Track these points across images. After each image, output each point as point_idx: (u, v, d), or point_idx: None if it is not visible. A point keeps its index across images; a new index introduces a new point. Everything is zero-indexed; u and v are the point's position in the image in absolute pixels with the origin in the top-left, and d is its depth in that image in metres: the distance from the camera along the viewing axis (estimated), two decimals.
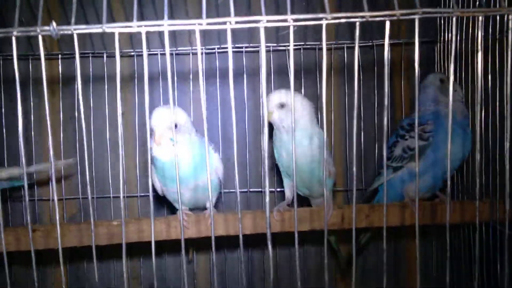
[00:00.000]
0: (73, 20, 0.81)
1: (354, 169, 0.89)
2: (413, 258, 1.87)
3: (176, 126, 1.23)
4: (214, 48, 1.73)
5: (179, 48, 1.74)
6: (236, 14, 0.80)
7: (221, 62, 1.74)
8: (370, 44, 1.73)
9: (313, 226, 1.32)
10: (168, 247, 1.74)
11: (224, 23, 0.82)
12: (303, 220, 1.32)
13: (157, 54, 1.73)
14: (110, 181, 1.70)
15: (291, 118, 1.30)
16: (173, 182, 1.26)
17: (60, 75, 1.70)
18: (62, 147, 1.69)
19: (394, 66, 1.77)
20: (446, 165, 0.91)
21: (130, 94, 1.76)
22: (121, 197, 0.86)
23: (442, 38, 1.71)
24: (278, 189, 1.76)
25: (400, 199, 1.43)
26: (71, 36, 0.79)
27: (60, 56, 1.69)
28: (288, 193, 1.42)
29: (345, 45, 1.74)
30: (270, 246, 0.87)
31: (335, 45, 1.76)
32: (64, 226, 1.28)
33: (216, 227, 1.28)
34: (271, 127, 1.36)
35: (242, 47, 1.74)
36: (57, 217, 0.87)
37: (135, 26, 0.80)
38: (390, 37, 0.84)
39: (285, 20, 0.82)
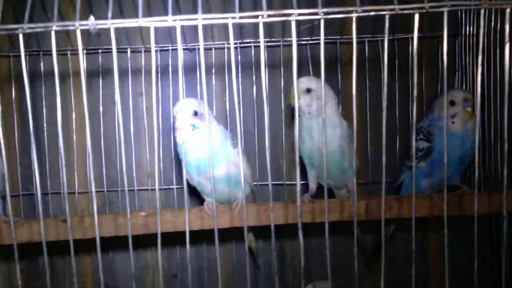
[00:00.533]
0: (110, 14, 0.83)
1: (384, 159, 0.91)
2: (433, 250, 1.89)
3: (196, 113, 1.30)
4: (224, 43, 1.76)
5: (208, 43, 1.76)
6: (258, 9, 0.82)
7: (241, 56, 1.76)
8: (392, 37, 1.73)
9: (338, 217, 1.33)
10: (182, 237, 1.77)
11: (257, 16, 0.84)
12: (329, 211, 1.33)
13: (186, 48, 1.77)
14: (135, 174, 1.73)
15: (317, 103, 1.34)
16: (193, 170, 1.33)
17: (84, 70, 1.72)
18: (89, 142, 1.71)
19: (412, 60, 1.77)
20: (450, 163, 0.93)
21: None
22: (157, 189, 0.89)
23: (463, 31, 1.71)
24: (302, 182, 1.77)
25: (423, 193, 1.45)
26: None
27: (84, 51, 1.72)
28: (312, 185, 1.44)
29: (366, 39, 1.75)
30: (301, 236, 0.89)
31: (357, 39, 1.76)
32: (93, 218, 1.31)
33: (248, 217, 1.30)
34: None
35: (250, 42, 1.77)
36: (95, 208, 0.89)
37: (170, 21, 0.83)
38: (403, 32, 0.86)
39: (316, 13, 0.84)
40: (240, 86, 1.76)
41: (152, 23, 0.83)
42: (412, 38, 1.70)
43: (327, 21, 0.85)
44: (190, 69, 1.79)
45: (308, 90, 1.35)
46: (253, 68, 1.76)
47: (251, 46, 1.75)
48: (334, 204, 1.34)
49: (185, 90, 1.75)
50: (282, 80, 1.76)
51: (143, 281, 1.85)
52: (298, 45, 1.78)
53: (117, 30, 0.82)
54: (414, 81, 0.88)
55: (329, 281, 0.91)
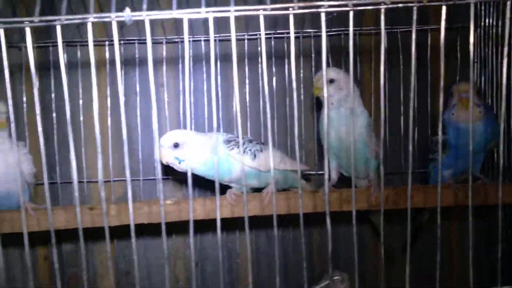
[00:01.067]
0: (145, 6, 0.85)
1: (410, 148, 0.93)
2: (452, 240, 1.91)
3: (177, 145, 1.32)
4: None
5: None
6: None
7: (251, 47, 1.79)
8: (407, 29, 1.74)
9: (358, 207, 1.35)
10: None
11: (287, 8, 0.86)
12: (350, 200, 1.35)
13: (200, 40, 1.78)
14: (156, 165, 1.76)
15: (340, 94, 1.36)
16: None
17: (108, 61, 1.76)
18: (109, 132, 1.75)
19: (433, 51, 1.78)
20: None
21: (173, 80, 1.81)
22: (189, 179, 0.91)
23: (480, 23, 1.72)
24: (319, 172, 1.80)
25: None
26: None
27: (107, 42, 1.74)
28: (333, 175, 1.46)
29: (386, 31, 1.75)
30: (328, 223, 0.91)
31: (375, 31, 1.79)
32: (121, 205, 1.35)
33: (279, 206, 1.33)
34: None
35: (283, 33, 1.78)
36: (130, 195, 0.92)
37: (204, 12, 0.85)
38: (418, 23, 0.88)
39: (346, 5, 0.86)
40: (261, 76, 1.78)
41: (185, 14, 0.85)
42: (427, 30, 1.75)
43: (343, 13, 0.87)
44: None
45: (331, 81, 1.38)
46: (258, 60, 1.78)
47: (270, 38, 1.77)
48: (357, 194, 1.36)
49: (206, 82, 1.77)
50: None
51: (164, 268, 1.88)
52: (310, 37, 1.80)
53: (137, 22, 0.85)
54: (441, 72, 0.90)
55: (355, 268, 0.93)
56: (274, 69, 1.80)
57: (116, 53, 0.86)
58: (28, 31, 0.85)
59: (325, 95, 0.89)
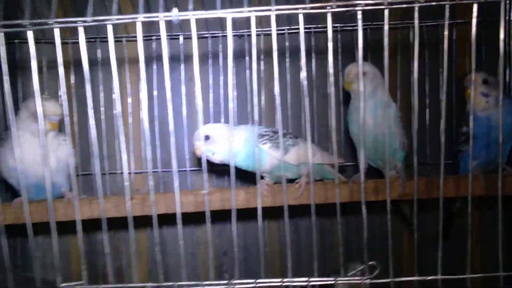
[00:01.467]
0: (190, 6, 0.91)
1: (442, 139, 0.97)
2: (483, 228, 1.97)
3: (208, 137, 1.39)
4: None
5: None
6: None
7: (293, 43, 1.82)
8: (437, 24, 1.77)
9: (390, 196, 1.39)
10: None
11: (325, 7, 0.90)
12: (379, 190, 1.39)
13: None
14: (187, 156, 1.82)
15: (369, 86, 1.41)
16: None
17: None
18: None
19: (458, 45, 1.80)
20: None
21: (204, 74, 1.86)
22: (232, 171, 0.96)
23: (508, 18, 1.75)
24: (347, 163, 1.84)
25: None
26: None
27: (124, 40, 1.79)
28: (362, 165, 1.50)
29: (410, 25, 1.78)
30: (364, 211, 0.96)
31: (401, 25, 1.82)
32: (158, 195, 1.40)
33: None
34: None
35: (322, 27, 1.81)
36: (177, 185, 0.97)
37: (246, 11, 0.90)
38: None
39: (381, 4, 0.90)
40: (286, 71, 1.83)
41: (229, 14, 0.90)
42: (453, 24, 1.78)
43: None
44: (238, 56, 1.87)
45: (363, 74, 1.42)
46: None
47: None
48: (381, 184, 1.41)
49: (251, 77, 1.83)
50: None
51: (195, 257, 1.95)
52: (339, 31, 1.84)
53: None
54: (473, 65, 0.94)
55: (390, 255, 0.98)
56: (313, 64, 1.84)
57: (163, 50, 0.92)
58: (81, 31, 0.91)
59: (361, 89, 0.94)
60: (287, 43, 1.80)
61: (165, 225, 1.92)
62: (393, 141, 1.44)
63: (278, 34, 1.76)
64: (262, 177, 1.46)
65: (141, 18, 0.90)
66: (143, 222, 1.31)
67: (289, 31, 1.81)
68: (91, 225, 1.32)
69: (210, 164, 1.32)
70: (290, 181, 1.45)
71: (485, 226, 1.95)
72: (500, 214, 0.99)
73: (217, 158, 1.37)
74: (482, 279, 1.06)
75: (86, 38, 0.92)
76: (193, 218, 1.42)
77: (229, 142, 1.35)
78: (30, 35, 0.90)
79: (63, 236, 1.91)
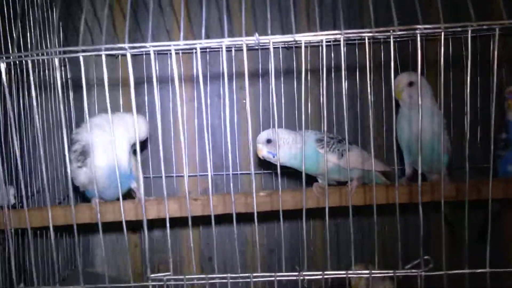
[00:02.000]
0: (269, 31, 1.04)
1: (492, 147, 1.08)
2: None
3: (269, 141, 1.52)
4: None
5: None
6: None
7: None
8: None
9: (433, 198, 1.49)
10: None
11: (388, 31, 1.02)
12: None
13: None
14: (238, 160, 1.96)
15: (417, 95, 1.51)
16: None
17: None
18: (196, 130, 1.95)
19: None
20: None
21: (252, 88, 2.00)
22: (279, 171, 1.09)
23: None
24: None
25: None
26: None
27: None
28: (407, 169, 1.62)
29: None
30: (421, 212, 1.08)
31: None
32: (217, 197, 1.54)
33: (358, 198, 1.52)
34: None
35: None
36: (229, 187, 1.09)
37: (319, 35, 1.02)
38: None
39: (439, 28, 1.02)
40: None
41: (303, 37, 1.03)
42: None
43: None
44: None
45: (410, 84, 1.55)
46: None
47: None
48: (426, 187, 1.51)
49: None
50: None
51: (243, 255, 2.08)
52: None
53: None
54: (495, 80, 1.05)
55: (443, 251, 1.09)
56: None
57: (245, 70, 1.04)
58: (173, 53, 1.04)
59: (419, 100, 1.06)
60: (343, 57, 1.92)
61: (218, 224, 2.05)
62: (439, 146, 1.54)
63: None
64: (316, 180, 1.58)
65: (226, 41, 1.03)
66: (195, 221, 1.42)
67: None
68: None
69: (281, 167, 1.44)
70: (342, 183, 1.57)
71: None
72: None
73: (277, 160, 1.49)
74: None
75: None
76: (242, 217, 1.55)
77: (288, 145, 1.48)
78: (129, 56, 1.04)
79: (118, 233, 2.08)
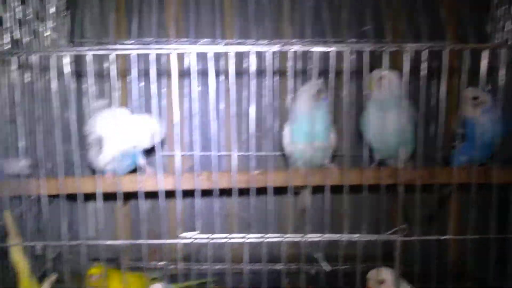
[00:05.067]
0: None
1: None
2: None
3: None
4: None
5: None
6: None
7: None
8: None
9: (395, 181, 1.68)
10: None
11: (383, 47, 1.30)
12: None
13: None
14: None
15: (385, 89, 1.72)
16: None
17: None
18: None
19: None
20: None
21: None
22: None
23: None
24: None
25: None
26: None
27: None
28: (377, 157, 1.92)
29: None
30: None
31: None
32: (220, 174, 1.68)
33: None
34: None
35: None
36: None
37: (331, 46, 1.28)
38: None
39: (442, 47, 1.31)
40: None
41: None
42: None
43: None
44: None
45: (381, 78, 1.78)
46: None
47: None
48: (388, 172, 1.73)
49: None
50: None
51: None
52: None
53: None
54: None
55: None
56: None
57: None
58: (194, 54, 1.28)
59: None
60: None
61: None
62: (404, 137, 1.79)
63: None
64: None
65: (253, 49, 1.28)
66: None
67: None
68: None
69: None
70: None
71: None
72: None
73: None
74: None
75: None
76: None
77: None
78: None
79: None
